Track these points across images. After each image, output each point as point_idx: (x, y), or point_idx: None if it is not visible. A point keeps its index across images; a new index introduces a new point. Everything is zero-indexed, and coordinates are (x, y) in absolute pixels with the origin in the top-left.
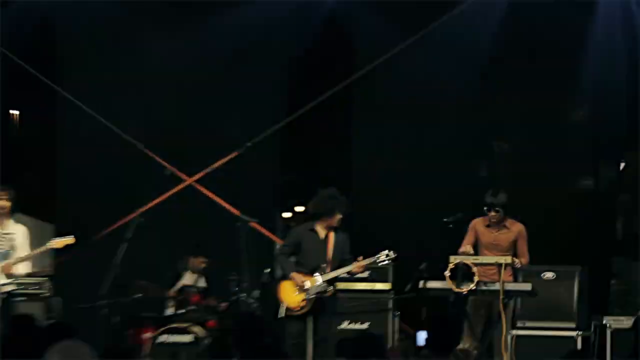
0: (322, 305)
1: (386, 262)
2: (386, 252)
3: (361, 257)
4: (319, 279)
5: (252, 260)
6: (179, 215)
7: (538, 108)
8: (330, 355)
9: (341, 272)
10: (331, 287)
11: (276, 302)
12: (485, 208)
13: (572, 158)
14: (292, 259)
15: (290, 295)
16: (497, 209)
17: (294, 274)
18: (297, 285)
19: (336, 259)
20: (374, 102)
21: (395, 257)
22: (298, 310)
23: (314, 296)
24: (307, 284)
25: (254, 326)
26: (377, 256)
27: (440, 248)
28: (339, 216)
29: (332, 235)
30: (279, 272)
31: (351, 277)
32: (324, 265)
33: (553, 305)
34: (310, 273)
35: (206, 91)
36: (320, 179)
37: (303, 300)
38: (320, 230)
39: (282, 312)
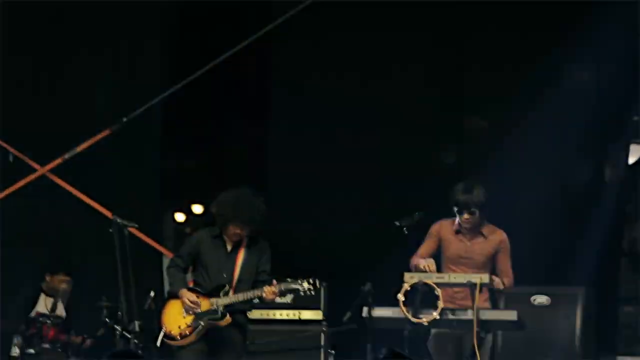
0: (221, 340)
1: (308, 292)
2: (308, 280)
3: (275, 282)
4: (214, 302)
5: (130, 280)
6: (30, 219)
7: (522, 74)
8: None
9: (245, 297)
10: (227, 316)
11: (158, 324)
12: (455, 208)
13: (568, 141)
14: (189, 275)
15: (174, 318)
16: (472, 210)
17: (183, 292)
18: (185, 307)
19: (246, 279)
20: (297, 62)
21: (317, 287)
22: (179, 340)
23: (203, 324)
24: (198, 307)
25: None
26: (297, 282)
27: (391, 262)
28: (246, 229)
29: (243, 245)
30: (167, 289)
31: (268, 304)
32: (227, 287)
33: (547, 340)
34: (208, 295)
35: (67, 50)
36: (224, 166)
37: (188, 326)
38: (229, 238)
39: (159, 339)
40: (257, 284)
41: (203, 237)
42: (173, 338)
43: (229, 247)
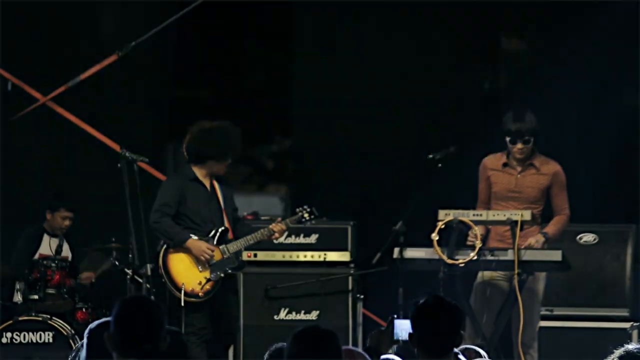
0: (222, 305)
1: (310, 220)
2: (305, 207)
3: (280, 219)
4: (225, 249)
5: (141, 220)
6: (30, 151)
7: None
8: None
9: (253, 239)
10: (244, 264)
11: (170, 284)
12: (507, 138)
13: (612, 64)
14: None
15: (189, 272)
16: (526, 138)
17: (192, 241)
18: (199, 258)
19: (231, 219)
20: None
21: (316, 214)
22: (202, 297)
23: (223, 276)
24: (214, 257)
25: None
26: (298, 214)
27: (424, 199)
28: (229, 161)
29: (216, 185)
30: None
31: (290, 245)
32: (223, 228)
33: (595, 282)
34: (206, 241)
35: None
36: (243, 95)
37: (208, 280)
38: (205, 180)
39: (182, 299)
40: (237, 222)
41: (182, 181)
42: (195, 295)
43: (207, 187)
